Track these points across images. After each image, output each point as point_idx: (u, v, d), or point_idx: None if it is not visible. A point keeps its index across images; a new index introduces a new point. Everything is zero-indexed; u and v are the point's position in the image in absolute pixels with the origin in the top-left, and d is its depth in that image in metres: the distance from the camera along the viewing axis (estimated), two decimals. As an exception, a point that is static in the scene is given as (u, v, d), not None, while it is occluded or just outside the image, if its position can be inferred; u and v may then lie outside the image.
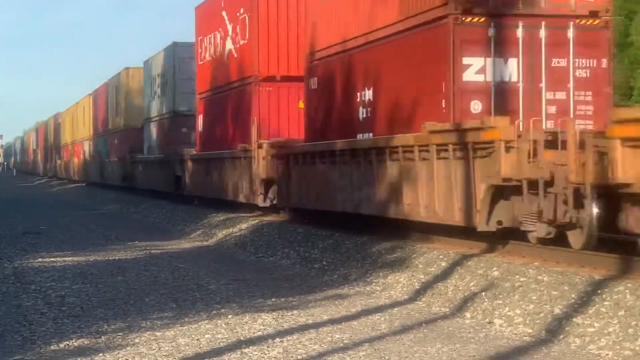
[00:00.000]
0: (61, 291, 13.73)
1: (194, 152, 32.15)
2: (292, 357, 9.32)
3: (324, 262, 17.02)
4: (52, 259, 18.03)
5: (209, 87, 30.13)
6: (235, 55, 26.85)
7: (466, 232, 15.03)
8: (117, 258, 18.27)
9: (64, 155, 78.26)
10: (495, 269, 12.89)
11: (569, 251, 12.72)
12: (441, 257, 14.46)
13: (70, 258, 18.24)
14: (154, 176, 39.63)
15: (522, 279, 12.07)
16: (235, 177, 26.54)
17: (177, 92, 35.85)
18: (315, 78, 21.23)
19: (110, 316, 11.65)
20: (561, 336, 10.08)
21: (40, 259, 18.01)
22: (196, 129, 32.13)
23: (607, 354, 9.33)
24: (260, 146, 23.90)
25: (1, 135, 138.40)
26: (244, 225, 23.89)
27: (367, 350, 9.62)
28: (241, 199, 25.94)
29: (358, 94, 18.75)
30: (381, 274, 14.88)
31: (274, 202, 23.91)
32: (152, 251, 19.75)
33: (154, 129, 40.61)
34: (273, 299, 13.03)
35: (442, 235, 15.98)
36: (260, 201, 24.31)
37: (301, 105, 22.97)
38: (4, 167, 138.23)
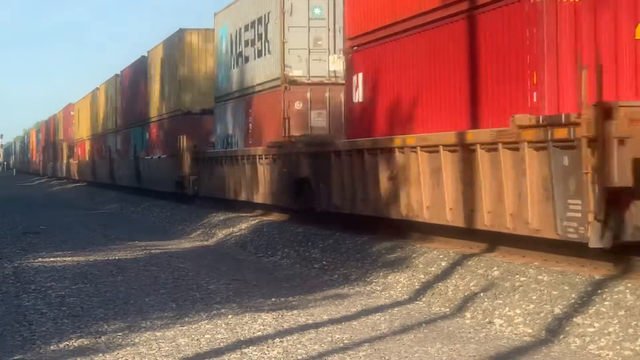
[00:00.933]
0: (61, 291, 13.73)
1: (345, 140, 19.08)
2: (292, 357, 9.31)
3: (324, 262, 17.02)
4: (52, 259, 18.03)
5: (384, 23, 17.14)
6: None
7: (466, 231, 15.02)
8: (117, 258, 18.26)
9: (78, 152, 65.97)
10: (495, 268, 12.89)
11: (569, 251, 12.70)
12: (441, 256, 14.46)
13: (70, 258, 18.24)
14: (244, 180, 25.80)
15: (522, 279, 12.07)
16: (510, 184, 12.98)
17: (287, 49, 23.19)
18: None
19: (110, 316, 11.65)
20: (561, 336, 10.08)
21: (40, 259, 18.01)
22: (347, 100, 19.33)
23: (607, 354, 9.33)
24: (606, 113, 11.08)
25: (1, 135, 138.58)
26: (244, 225, 23.89)
27: (367, 350, 9.61)
28: (536, 230, 12.51)
29: None
30: (381, 273, 14.89)
31: None
32: (152, 251, 19.75)
33: (237, 109, 27.44)
34: (273, 299, 13.03)
35: (442, 235, 15.98)
36: (595, 238, 11.14)
37: None
38: (4, 167, 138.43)
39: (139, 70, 42.42)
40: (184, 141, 32.56)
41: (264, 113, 24.61)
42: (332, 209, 19.48)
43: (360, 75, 18.27)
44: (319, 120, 22.86)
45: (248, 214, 26.09)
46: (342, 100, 21.19)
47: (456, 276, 13.32)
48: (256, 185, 24.60)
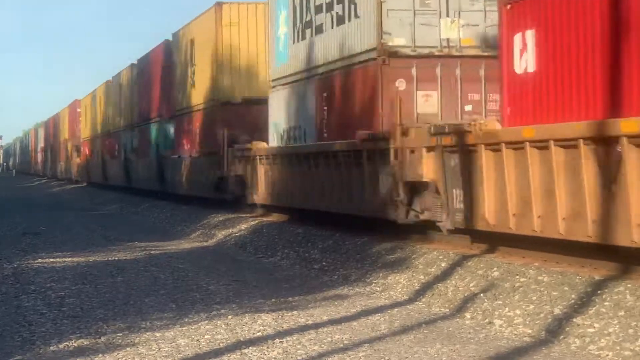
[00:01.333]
0: (61, 292, 13.72)
1: (507, 129, 13.48)
2: (291, 357, 9.31)
3: (324, 263, 17.02)
4: (51, 260, 18.01)
5: None
6: None
7: (465, 232, 15.02)
8: (116, 258, 18.26)
9: (85, 151, 60.50)
10: (495, 269, 12.89)
11: (569, 252, 12.69)
12: (441, 257, 14.46)
13: (70, 259, 18.23)
14: (331, 185, 19.31)
15: (522, 280, 12.06)
16: None
17: (384, 10, 17.36)
18: None
19: (110, 317, 11.64)
20: (561, 337, 10.08)
21: (40, 260, 17.99)
22: (506, 70, 13.59)
23: (607, 355, 9.32)
24: None
25: (1, 136, 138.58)
26: (243, 226, 23.88)
27: (367, 350, 9.61)
28: None
29: None
30: (381, 274, 14.88)
31: None
32: (152, 252, 19.75)
33: (304, 94, 21.56)
34: (273, 300, 13.03)
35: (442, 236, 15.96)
36: None
37: None
38: (4, 168, 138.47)
39: (161, 57, 36.77)
40: (224, 136, 27.29)
41: (349, 96, 18.93)
42: (480, 226, 14.21)
43: (530, 33, 12.84)
44: (427, 105, 17.51)
45: (248, 215, 26.07)
46: (458, 77, 17.51)
47: (456, 277, 13.31)
48: (336, 191, 18.99)
